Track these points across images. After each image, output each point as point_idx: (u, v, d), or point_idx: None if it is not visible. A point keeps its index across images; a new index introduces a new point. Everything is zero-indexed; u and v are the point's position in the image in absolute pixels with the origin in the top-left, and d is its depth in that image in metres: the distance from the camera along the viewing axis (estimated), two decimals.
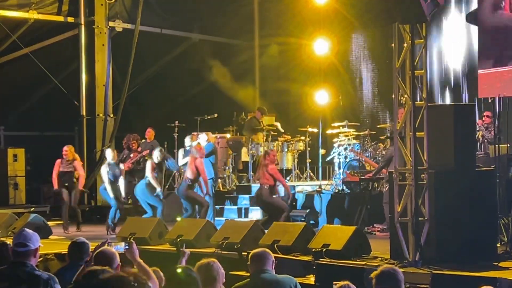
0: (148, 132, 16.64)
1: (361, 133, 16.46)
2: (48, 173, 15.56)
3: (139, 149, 15.86)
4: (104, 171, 15.02)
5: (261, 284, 6.37)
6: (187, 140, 16.06)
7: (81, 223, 15.38)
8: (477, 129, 14.00)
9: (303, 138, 17.19)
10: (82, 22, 18.73)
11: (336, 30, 17.99)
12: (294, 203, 15.16)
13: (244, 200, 16.06)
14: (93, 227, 15.96)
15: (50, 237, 13.91)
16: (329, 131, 16.92)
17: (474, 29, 15.26)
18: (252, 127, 17.63)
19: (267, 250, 6.66)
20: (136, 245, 5.95)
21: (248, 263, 6.51)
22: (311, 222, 14.48)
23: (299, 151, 17.27)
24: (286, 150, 17.24)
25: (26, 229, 5.92)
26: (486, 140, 13.74)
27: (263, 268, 6.39)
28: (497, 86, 13.72)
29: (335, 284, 5.79)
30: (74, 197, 15.24)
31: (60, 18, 18.69)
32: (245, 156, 17.70)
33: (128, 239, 11.41)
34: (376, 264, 9.54)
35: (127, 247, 5.89)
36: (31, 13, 18.01)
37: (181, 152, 16.25)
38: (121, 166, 15.26)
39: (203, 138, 15.56)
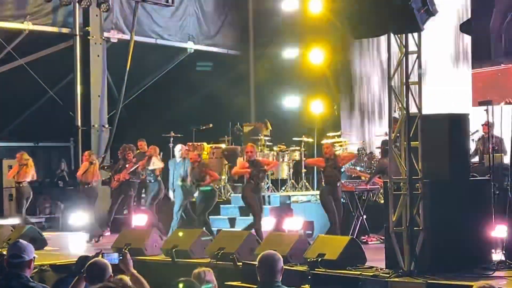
0: (140, 144, 16.52)
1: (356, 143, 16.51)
2: (43, 185, 15.53)
3: (134, 159, 15.80)
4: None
5: None
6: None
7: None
8: (479, 138, 14.02)
9: (298, 148, 17.20)
10: (77, 33, 18.70)
11: (331, 40, 18.05)
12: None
13: (233, 210, 15.98)
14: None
15: (46, 248, 13.89)
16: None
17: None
18: (251, 137, 17.62)
19: (277, 254, 6.11)
20: (130, 256, 5.94)
21: (256, 265, 6.10)
22: (307, 232, 14.47)
23: (294, 161, 17.27)
24: (281, 160, 17.26)
25: (21, 240, 5.92)
26: (485, 150, 13.66)
27: (274, 280, 5.96)
28: (492, 84, 13.81)
29: None
30: None
31: (55, 29, 18.68)
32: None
33: (123, 249, 11.40)
34: (372, 273, 9.56)
35: (121, 257, 5.88)
36: (26, 24, 18.01)
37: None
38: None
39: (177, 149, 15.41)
